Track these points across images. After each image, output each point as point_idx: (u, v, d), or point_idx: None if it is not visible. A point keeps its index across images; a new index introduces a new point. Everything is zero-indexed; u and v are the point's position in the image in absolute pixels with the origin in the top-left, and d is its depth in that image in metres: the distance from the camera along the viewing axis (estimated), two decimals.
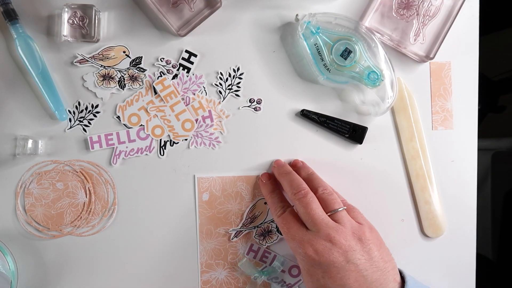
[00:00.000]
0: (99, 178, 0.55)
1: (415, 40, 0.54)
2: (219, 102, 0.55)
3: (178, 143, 0.55)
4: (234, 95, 0.55)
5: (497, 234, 0.98)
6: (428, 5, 0.54)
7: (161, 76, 0.55)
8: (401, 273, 0.48)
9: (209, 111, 0.55)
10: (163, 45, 0.55)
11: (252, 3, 0.55)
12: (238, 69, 0.55)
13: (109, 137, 0.54)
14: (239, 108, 0.55)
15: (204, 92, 0.55)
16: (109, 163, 0.54)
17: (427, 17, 0.54)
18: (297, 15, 0.54)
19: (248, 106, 0.55)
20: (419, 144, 0.56)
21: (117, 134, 0.54)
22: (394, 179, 0.56)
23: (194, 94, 0.55)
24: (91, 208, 0.54)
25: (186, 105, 0.55)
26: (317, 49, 0.52)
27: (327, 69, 0.52)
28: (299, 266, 0.49)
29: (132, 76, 0.54)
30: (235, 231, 0.55)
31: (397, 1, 0.54)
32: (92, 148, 0.54)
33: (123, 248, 0.55)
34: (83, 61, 0.54)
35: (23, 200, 0.54)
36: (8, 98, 0.54)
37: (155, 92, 0.54)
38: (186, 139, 0.55)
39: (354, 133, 0.55)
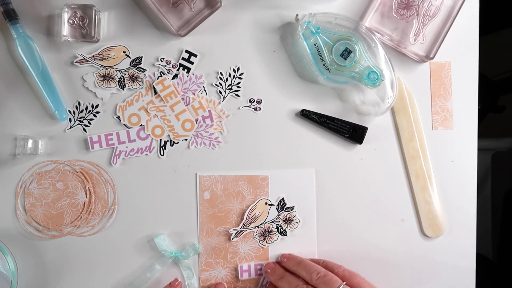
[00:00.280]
0: (99, 178, 0.55)
1: (415, 40, 0.54)
2: (219, 102, 0.55)
3: (178, 143, 0.55)
4: (234, 95, 0.55)
5: (497, 234, 0.98)
6: (428, 5, 0.54)
7: (161, 76, 0.55)
8: None
9: (209, 111, 0.55)
10: (163, 45, 0.55)
11: (252, 3, 0.55)
12: (238, 69, 0.55)
13: (109, 137, 0.54)
14: (239, 108, 0.55)
15: (204, 92, 0.55)
16: (109, 163, 0.54)
17: (427, 17, 0.54)
18: (297, 15, 0.54)
19: (248, 106, 0.55)
20: (419, 144, 0.56)
21: (117, 134, 0.54)
22: (394, 179, 0.56)
23: (194, 94, 0.55)
24: (91, 208, 0.54)
25: (186, 105, 0.55)
26: (317, 49, 0.52)
27: (327, 69, 0.52)
28: None
29: (132, 76, 0.54)
30: (236, 231, 0.55)
31: (397, 1, 0.54)
32: (92, 148, 0.54)
33: (123, 248, 0.55)
34: (83, 61, 0.54)
35: (23, 200, 0.54)
36: (8, 98, 0.54)
37: (155, 92, 0.55)
38: (186, 139, 0.55)
39: (354, 133, 0.55)
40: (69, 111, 0.54)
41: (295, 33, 0.55)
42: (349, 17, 0.53)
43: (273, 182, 0.55)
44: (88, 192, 0.54)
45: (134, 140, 0.55)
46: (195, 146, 0.55)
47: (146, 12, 0.54)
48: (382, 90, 0.52)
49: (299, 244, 0.56)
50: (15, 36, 0.52)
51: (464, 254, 0.57)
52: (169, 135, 0.55)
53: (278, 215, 0.55)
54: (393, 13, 0.54)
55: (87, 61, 0.54)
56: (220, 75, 0.55)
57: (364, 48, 0.52)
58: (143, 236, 0.55)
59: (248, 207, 0.55)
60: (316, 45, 0.52)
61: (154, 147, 0.55)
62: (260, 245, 0.55)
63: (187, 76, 0.55)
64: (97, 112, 0.54)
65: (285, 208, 0.55)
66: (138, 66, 0.54)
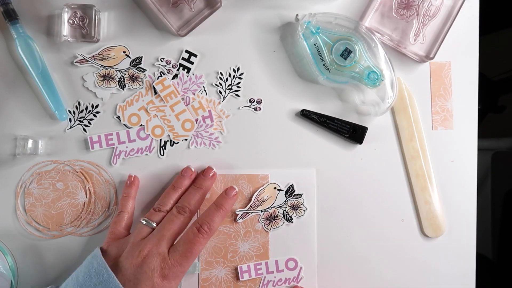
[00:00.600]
0: (99, 178, 0.55)
1: (415, 40, 0.54)
2: (219, 102, 0.55)
3: (178, 143, 0.55)
4: (234, 95, 0.55)
5: (497, 234, 0.98)
6: (428, 5, 0.54)
7: (161, 76, 0.55)
8: None
9: (209, 111, 0.55)
10: (163, 45, 0.55)
11: (252, 3, 0.55)
12: (238, 69, 0.55)
13: (109, 137, 0.54)
14: (239, 108, 0.55)
15: (204, 92, 0.55)
16: (109, 163, 0.54)
17: (427, 17, 0.54)
18: (297, 15, 0.54)
19: (248, 106, 0.55)
20: (419, 144, 0.56)
21: (117, 134, 0.54)
22: (394, 179, 0.56)
23: (194, 94, 0.55)
24: (91, 208, 0.54)
25: (186, 105, 0.55)
26: (317, 49, 0.52)
27: (327, 69, 0.52)
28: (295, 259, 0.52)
29: (132, 76, 0.54)
30: (242, 212, 0.55)
31: (397, 1, 0.54)
32: (92, 148, 0.54)
33: None
34: (83, 61, 0.54)
35: (23, 200, 0.54)
36: (8, 98, 0.54)
37: (155, 92, 0.55)
38: (186, 139, 0.55)
39: (354, 133, 0.55)
40: (69, 111, 0.54)
41: (295, 33, 0.55)
42: (349, 17, 0.53)
43: (273, 181, 0.55)
44: (88, 192, 0.54)
45: (134, 140, 0.55)
46: (195, 146, 0.55)
47: (146, 12, 0.54)
48: (382, 90, 0.52)
49: (298, 241, 0.56)
50: (15, 36, 0.52)
51: (464, 254, 0.57)
52: (169, 135, 0.55)
53: (285, 201, 0.55)
54: (393, 13, 0.54)
55: (87, 61, 0.54)
56: (220, 75, 0.55)
57: (364, 48, 0.52)
58: None
59: (257, 189, 0.55)
60: (316, 45, 0.52)
61: (154, 147, 0.55)
62: (265, 229, 0.55)
63: (187, 76, 0.55)
64: (97, 112, 0.54)
65: (293, 194, 0.55)
66: (138, 66, 0.54)
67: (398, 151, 0.56)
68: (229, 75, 0.55)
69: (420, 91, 0.56)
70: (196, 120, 0.55)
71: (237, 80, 0.55)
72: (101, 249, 0.48)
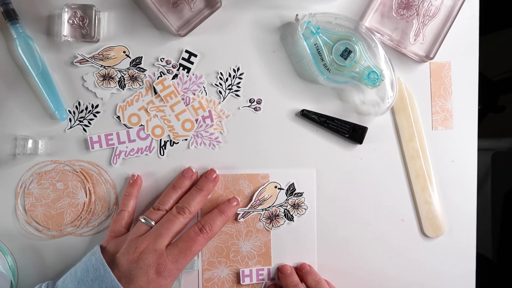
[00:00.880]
0: (99, 178, 0.55)
1: (415, 40, 0.54)
2: (219, 102, 0.55)
3: (178, 143, 0.55)
4: (234, 95, 0.55)
5: (497, 234, 0.98)
6: (428, 5, 0.54)
7: (161, 76, 0.55)
8: None
9: (209, 111, 0.55)
10: (163, 45, 0.55)
11: (252, 3, 0.55)
12: (238, 69, 0.55)
13: (109, 137, 0.54)
14: (239, 108, 0.55)
15: (204, 92, 0.55)
16: (109, 163, 0.54)
17: (427, 17, 0.54)
18: (297, 15, 0.54)
19: (248, 106, 0.55)
20: (419, 144, 0.56)
21: (117, 134, 0.54)
22: (394, 179, 0.56)
23: (194, 94, 0.55)
24: (91, 208, 0.54)
25: (186, 105, 0.55)
26: (317, 49, 0.52)
27: (327, 69, 0.52)
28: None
29: (132, 76, 0.54)
30: (243, 212, 0.55)
31: (397, 1, 0.54)
32: (92, 148, 0.54)
33: None
34: (83, 61, 0.54)
35: (23, 200, 0.54)
36: (8, 98, 0.54)
37: (155, 92, 0.55)
38: (186, 139, 0.55)
39: (354, 133, 0.55)
40: (69, 111, 0.54)
41: (295, 33, 0.55)
42: (349, 17, 0.53)
43: (273, 181, 0.55)
44: (88, 192, 0.54)
45: (134, 140, 0.55)
46: (195, 146, 0.55)
47: (146, 12, 0.54)
48: (382, 90, 0.52)
49: (299, 240, 0.56)
50: (15, 36, 0.52)
51: (464, 254, 0.57)
52: (169, 135, 0.55)
53: (286, 199, 0.55)
54: (393, 13, 0.54)
55: (87, 61, 0.54)
56: (220, 75, 0.55)
57: (364, 48, 0.52)
58: None
59: (258, 188, 0.55)
60: (316, 45, 0.52)
61: (154, 147, 0.55)
62: (266, 228, 0.55)
63: (187, 76, 0.55)
64: (97, 112, 0.54)
65: (294, 193, 0.55)
66: (138, 66, 0.54)
67: (398, 151, 0.56)
68: (229, 75, 0.55)
69: (420, 91, 0.56)
70: (196, 120, 0.55)
71: (237, 80, 0.55)
72: (101, 247, 0.48)
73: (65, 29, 0.53)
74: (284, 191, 0.55)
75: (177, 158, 0.55)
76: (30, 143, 0.52)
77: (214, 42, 0.55)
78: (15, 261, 0.53)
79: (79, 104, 0.54)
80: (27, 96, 0.54)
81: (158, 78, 0.54)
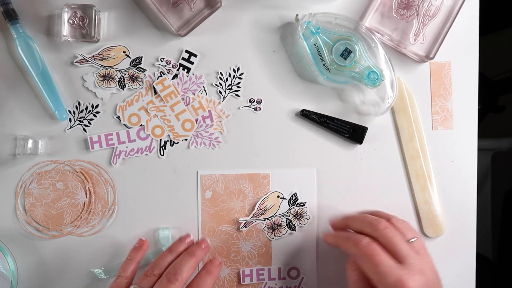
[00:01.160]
0: (99, 178, 0.55)
1: (415, 40, 0.54)
2: (219, 102, 0.55)
3: (178, 143, 0.55)
4: (234, 95, 0.55)
5: (497, 234, 0.98)
6: (428, 5, 0.54)
7: (161, 76, 0.55)
8: None
9: (209, 111, 0.55)
10: (163, 45, 0.55)
11: (252, 3, 0.55)
12: (238, 69, 0.55)
13: (109, 137, 0.54)
14: (239, 108, 0.55)
15: (204, 92, 0.55)
16: (109, 163, 0.54)
17: (427, 17, 0.54)
18: (297, 15, 0.54)
19: (248, 106, 0.55)
20: (419, 144, 0.56)
21: (117, 134, 0.54)
22: (394, 179, 0.56)
23: (194, 94, 0.55)
24: (91, 208, 0.54)
25: (186, 105, 0.55)
26: (317, 49, 0.52)
27: (327, 69, 0.52)
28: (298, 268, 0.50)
29: (132, 76, 0.54)
30: (245, 221, 0.55)
31: (397, 1, 0.54)
32: (92, 148, 0.54)
33: (123, 248, 0.55)
34: (83, 61, 0.54)
35: (23, 200, 0.54)
36: (8, 98, 0.54)
37: (155, 92, 0.55)
38: (186, 139, 0.55)
39: (354, 133, 0.55)
40: (69, 111, 0.54)
41: (295, 33, 0.55)
42: (349, 17, 0.53)
43: (274, 181, 0.55)
44: (88, 192, 0.54)
45: (134, 140, 0.55)
46: (195, 146, 0.55)
47: (146, 12, 0.54)
48: (382, 90, 0.52)
49: (299, 241, 0.56)
50: (15, 36, 0.52)
51: (464, 254, 0.57)
52: (169, 135, 0.55)
53: (289, 209, 0.55)
54: (393, 13, 0.54)
55: (87, 61, 0.54)
56: (220, 75, 0.55)
57: (364, 48, 0.52)
58: (143, 236, 0.55)
59: (260, 198, 0.55)
60: (316, 45, 0.52)
61: (154, 147, 0.55)
62: (268, 237, 0.55)
63: (187, 76, 0.55)
64: (97, 112, 0.54)
65: (296, 203, 0.55)
66: (138, 66, 0.54)
67: (398, 151, 0.56)
68: (229, 75, 0.55)
69: (420, 91, 0.56)
70: (196, 120, 0.55)
71: (237, 80, 0.55)
72: None
73: (65, 29, 0.53)
74: (287, 201, 0.55)
75: (177, 158, 0.55)
76: (30, 143, 0.52)
77: (214, 42, 0.55)
78: (15, 261, 0.53)
79: (79, 104, 0.54)
80: (27, 96, 0.54)
81: (158, 78, 0.54)
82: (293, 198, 0.55)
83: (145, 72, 0.55)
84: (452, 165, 0.57)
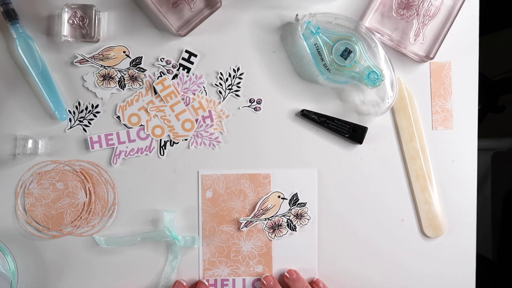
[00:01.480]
0: (99, 178, 0.55)
1: (415, 40, 0.54)
2: (219, 102, 0.55)
3: (178, 143, 0.55)
4: (234, 95, 0.55)
5: (497, 234, 0.98)
6: (428, 5, 0.54)
7: (161, 76, 0.55)
8: None
9: (209, 111, 0.55)
10: (163, 45, 0.55)
11: (252, 3, 0.55)
12: (238, 69, 0.55)
13: (109, 137, 0.54)
14: (239, 108, 0.55)
15: (204, 92, 0.55)
16: (109, 163, 0.54)
17: (427, 17, 0.54)
18: (297, 15, 0.54)
19: (248, 106, 0.55)
20: (419, 144, 0.56)
21: (117, 134, 0.54)
22: (394, 179, 0.56)
23: (194, 94, 0.55)
24: (91, 208, 0.54)
25: (186, 105, 0.55)
26: (317, 49, 0.52)
27: (327, 69, 0.52)
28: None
29: (132, 76, 0.54)
30: (246, 221, 0.55)
31: (397, 1, 0.54)
32: (92, 148, 0.54)
33: (123, 248, 0.55)
34: (83, 61, 0.54)
35: (23, 200, 0.54)
36: (8, 98, 0.54)
37: (155, 92, 0.55)
38: (186, 139, 0.55)
39: (354, 133, 0.55)
40: (69, 111, 0.54)
41: (295, 33, 0.55)
42: (349, 17, 0.53)
43: (274, 181, 0.55)
44: (88, 192, 0.54)
45: (134, 140, 0.55)
46: (195, 146, 0.55)
47: (146, 12, 0.54)
48: (382, 90, 0.52)
49: (300, 241, 0.56)
50: (15, 36, 0.52)
51: (464, 254, 0.57)
52: (169, 135, 0.55)
53: (289, 209, 0.55)
54: (393, 13, 0.54)
55: (87, 61, 0.54)
56: (220, 75, 0.55)
57: (364, 48, 0.52)
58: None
59: (261, 198, 0.55)
60: (316, 45, 0.52)
61: (154, 147, 0.55)
62: (269, 237, 0.55)
63: (187, 76, 0.55)
64: (97, 112, 0.54)
65: (297, 203, 0.55)
66: (138, 66, 0.54)
67: (398, 151, 0.56)
68: (229, 75, 0.55)
69: (420, 91, 0.56)
70: (196, 120, 0.55)
71: (237, 80, 0.55)
72: None
73: (65, 29, 0.53)
74: (287, 201, 0.55)
75: (177, 158, 0.55)
76: (30, 143, 0.52)
77: (214, 42, 0.55)
78: (15, 261, 0.53)
79: (79, 104, 0.54)
80: (27, 96, 0.54)
81: (158, 78, 0.54)
82: (294, 198, 0.55)
83: (145, 72, 0.55)
84: (452, 165, 0.57)
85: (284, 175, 0.56)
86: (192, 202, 0.55)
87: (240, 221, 0.55)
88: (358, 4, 0.55)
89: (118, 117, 0.54)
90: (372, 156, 0.56)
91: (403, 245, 0.56)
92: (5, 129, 0.54)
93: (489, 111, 1.06)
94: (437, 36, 0.54)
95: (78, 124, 0.54)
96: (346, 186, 0.56)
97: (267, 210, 0.55)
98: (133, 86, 0.54)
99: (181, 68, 0.55)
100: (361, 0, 0.55)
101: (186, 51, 0.55)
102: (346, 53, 0.52)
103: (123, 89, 0.54)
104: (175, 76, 0.55)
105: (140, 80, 0.55)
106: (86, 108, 0.54)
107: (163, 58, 0.55)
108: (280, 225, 0.55)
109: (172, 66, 0.55)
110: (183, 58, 0.55)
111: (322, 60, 0.52)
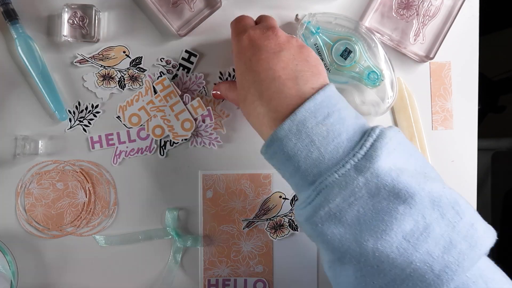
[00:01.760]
0: (100, 178, 0.55)
1: (415, 40, 0.54)
2: (219, 102, 0.55)
3: (178, 143, 0.55)
4: None
5: (497, 234, 0.98)
6: (428, 5, 0.54)
7: (161, 76, 0.55)
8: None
9: (209, 110, 0.55)
10: (163, 45, 0.55)
11: (252, 3, 0.55)
12: None
13: (109, 137, 0.54)
14: (238, 107, 0.55)
15: (204, 92, 0.55)
16: (109, 163, 0.54)
17: (427, 17, 0.54)
18: (297, 15, 0.54)
19: None
20: (419, 144, 0.56)
21: (118, 134, 0.54)
22: None
23: (194, 94, 0.55)
24: (91, 208, 0.54)
25: (185, 105, 0.55)
26: (317, 49, 0.52)
27: (327, 69, 0.52)
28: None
29: (132, 76, 0.54)
30: (247, 221, 0.55)
31: (397, 1, 0.54)
32: (93, 148, 0.54)
33: (123, 248, 0.55)
34: (83, 61, 0.54)
35: (23, 200, 0.54)
36: (8, 98, 0.54)
37: (155, 92, 0.55)
38: (186, 139, 0.55)
39: None
40: (69, 111, 0.54)
41: (295, 33, 0.55)
42: (349, 17, 0.53)
43: (275, 181, 0.55)
44: (88, 192, 0.54)
45: (134, 140, 0.55)
46: (195, 146, 0.55)
47: (146, 12, 0.54)
48: (382, 90, 0.52)
49: (301, 241, 0.56)
50: (15, 36, 0.52)
51: None
52: (169, 135, 0.55)
53: (291, 209, 0.55)
54: (393, 13, 0.54)
55: (87, 61, 0.54)
56: (220, 75, 0.55)
57: (364, 48, 0.52)
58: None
59: (262, 198, 0.55)
60: (316, 45, 0.52)
61: (154, 147, 0.55)
62: (271, 237, 0.55)
63: (187, 76, 0.55)
64: (97, 112, 0.54)
65: None
66: (138, 66, 0.54)
67: None
68: (229, 75, 0.55)
69: (420, 91, 0.56)
70: (196, 120, 0.55)
71: None
72: None
73: (65, 29, 0.53)
74: (289, 201, 0.55)
75: (178, 158, 0.55)
76: (30, 143, 0.52)
77: (214, 42, 0.55)
78: (15, 261, 0.53)
79: (79, 104, 0.54)
80: (27, 96, 0.54)
81: (158, 78, 0.54)
82: (295, 199, 0.55)
83: (145, 72, 0.55)
84: (452, 165, 0.57)
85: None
86: (192, 202, 0.55)
87: (242, 221, 0.55)
88: (358, 4, 0.55)
89: (119, 117, 0.54)
90: None
91: None
92: (5, 129, 0.54)
93: (489, 111, 1.06)
94: (437, 36, 0.54)
95: (78, 124, 0.54)
96: None
97: (269, 210, 0.55)
98: (133, 86, 0.55)
99: (181, 68, 0.55)
100: (361, 0, 0.55)
101: (186, 51, 0.55)
102: (346, 53, 0.52)
103: (123, 89, 0.54)
104: (175, 76, 0.55)
105: (140, 80, 0.55)
106: (86, 108, 0.54)
107: (163, 58, 0.55)
108: (282, 225, 0.55)
109: (172, 66, 0.55)
110: (183, 58, 0.55)
111: (322, 60, 0.52)
